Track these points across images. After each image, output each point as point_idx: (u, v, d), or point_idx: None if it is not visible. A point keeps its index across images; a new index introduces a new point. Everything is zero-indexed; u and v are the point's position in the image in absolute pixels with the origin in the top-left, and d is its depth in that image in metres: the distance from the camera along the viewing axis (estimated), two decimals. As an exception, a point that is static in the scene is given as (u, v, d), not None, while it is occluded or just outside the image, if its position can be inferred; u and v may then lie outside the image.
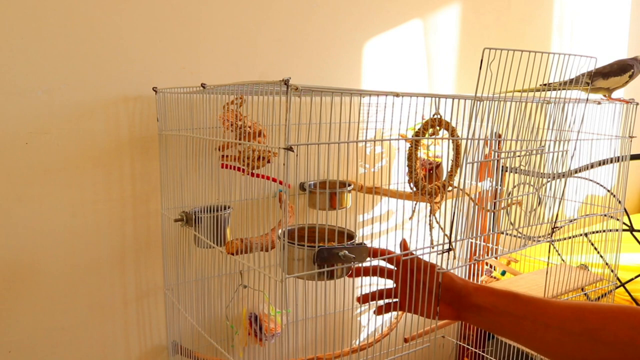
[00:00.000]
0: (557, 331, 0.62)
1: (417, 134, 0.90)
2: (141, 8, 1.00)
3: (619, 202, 1.25)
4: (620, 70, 1.18)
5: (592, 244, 1.36)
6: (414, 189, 0.93)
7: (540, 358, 1.39)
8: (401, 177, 1.31)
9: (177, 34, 1.05)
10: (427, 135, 0.88)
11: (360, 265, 0.76)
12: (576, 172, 1.28)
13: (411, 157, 0.90)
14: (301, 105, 1.08)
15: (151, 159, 1.05)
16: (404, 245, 0.78)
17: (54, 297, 0.99)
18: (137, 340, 1.10)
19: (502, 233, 0.95)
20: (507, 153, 0.85)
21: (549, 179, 0.92)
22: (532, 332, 0.64)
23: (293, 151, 0.64)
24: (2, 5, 0.87)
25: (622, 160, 1.23)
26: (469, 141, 0.77)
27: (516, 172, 0.94)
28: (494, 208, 1.09)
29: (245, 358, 1.17)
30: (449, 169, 0.97)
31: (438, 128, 0.88)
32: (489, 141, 0.86)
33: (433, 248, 0.83)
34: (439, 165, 1.06)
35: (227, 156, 0.95)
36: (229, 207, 1.00)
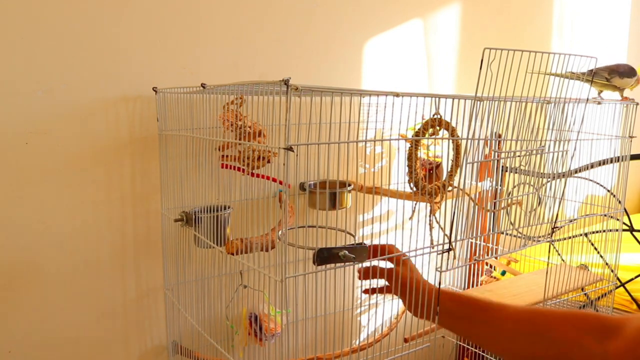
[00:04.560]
0: (511, 332, 0.67)
1: (417, 134, 0.90)
2: (141, 8, 1.00)
3: (619, 202, 1.25)
4: (631, 72, 1.23)
5: (592, 244, 1.36)
6: (414, 189, 0.93)
7: None
8: (401, 177, 1.31)
9: (177, 34, 1.05)
10: (427, 135, 0.88)
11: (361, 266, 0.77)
12: (576, 172, 1.28)
13: (411, 157, 0.90)
14: (301, 105, 1.08)
15: (151, 159, 1.05)
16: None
17: (54, 296, 0.99)
18: (137, 340, 1.10)
19: (502, 233, 0.95)
20: (507, 153, 0.85)
21: (549, 179, 0.92)
22: (487, 334, 0.69)
23: (293, 151, 0.64)
24: (2, 5, 0.87)
25: (622, 160, 1.23)
26: (469, 141, 0.77)
27: (516, 172, 0.94)
28: (494, 208, 1.09)
29: (245, 358, 1.17)
30: (449, 169, 0.97)
31: (438, 128, 0.88)
32: (489, 141, 0.86)
33: (433, 248, 0.83)
34: (439, 165, 1.06)
35: (227, 156, 0.95)
36: (229, 207, 1.00)
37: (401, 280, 0.77)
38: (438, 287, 0.74)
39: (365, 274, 0.79)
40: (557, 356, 0.64)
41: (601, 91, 1.25)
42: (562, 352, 0.63)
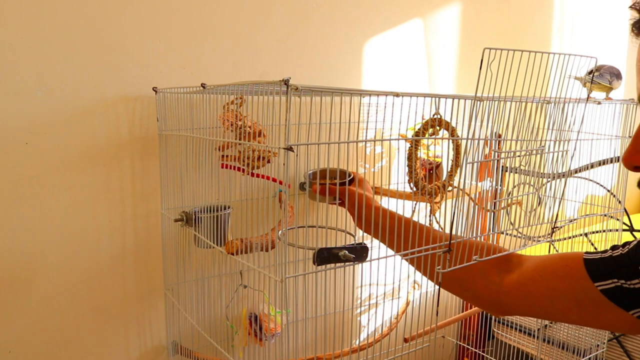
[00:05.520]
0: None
1: (417, 134, 0.90)
2: (141, 8, 1.00)
3: (619, 202, 1.25)
4: (620, 74, 1.30)
5: (592, 244, 1.36)
6: (414, 189, 0.93)
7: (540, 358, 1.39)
8: (401, 177, 1.31)
9: (177, 34, 1.05)
10: (427, 135, 0.88)
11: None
12: (576, 172, 1.28)
13: (411, 157, 0.90)
14: (301, 105, 1.08)
15: (151, 159, 1.05)
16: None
17: (53, 296, 0.99)
18: (137, 340, 1.10)
19: (502, 233, 0.95)
20: (507, 153, 0.85)
21: (549, 179, 0.92)
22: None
23: (293, 151, 0.64)
24: (2, 5, 0.87)
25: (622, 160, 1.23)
26: (469, 141, 0.77)
27: (516, 172, 0.94)
28: (494, 208, 1.09)
29: (245, 358, 1.17)
30: (449, 169, 0.97)
31: (438, 128, 0.88)
32: (489, 141, 0.86)
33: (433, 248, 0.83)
34: (439, 165, 1.06)
35: (227, 156, 0.95)
36: (229, 207, 1.00)
37: (355, 196, 0.91)
38: (439, 288, 0.74)
39: (322, 190, 0.97)
40: (466, 279, 0.75)
41: (591, 91, 1.28)
42: (469, 277, 0.75)
